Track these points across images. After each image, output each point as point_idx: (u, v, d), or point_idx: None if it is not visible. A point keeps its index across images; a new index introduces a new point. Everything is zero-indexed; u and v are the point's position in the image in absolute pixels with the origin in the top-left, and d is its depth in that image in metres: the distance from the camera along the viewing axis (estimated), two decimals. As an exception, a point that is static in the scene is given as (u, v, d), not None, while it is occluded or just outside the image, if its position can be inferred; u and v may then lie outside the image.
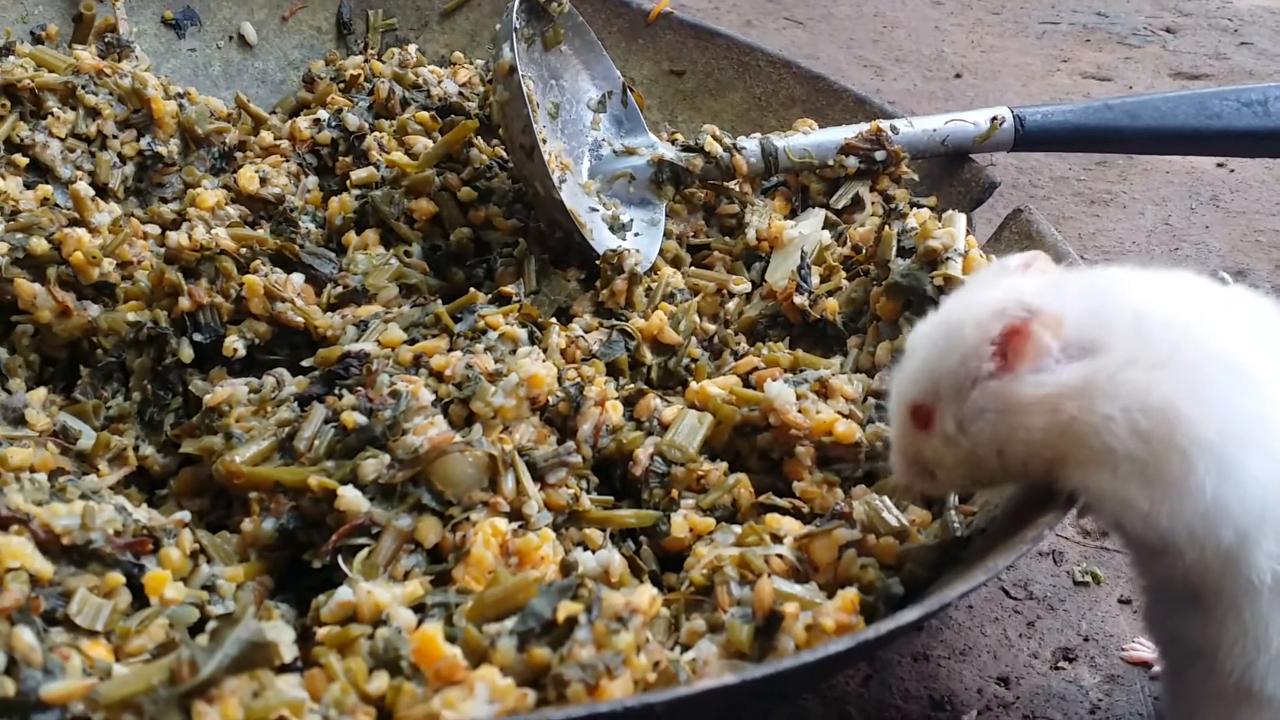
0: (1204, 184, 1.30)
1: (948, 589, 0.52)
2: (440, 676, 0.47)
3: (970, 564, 0.59)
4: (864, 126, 0.92)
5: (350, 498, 0.60)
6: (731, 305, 0.83)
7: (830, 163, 0.92)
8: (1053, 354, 0.54)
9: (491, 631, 0.50)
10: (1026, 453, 0.56)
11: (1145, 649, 0.74)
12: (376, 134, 0.92)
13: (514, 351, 0.71)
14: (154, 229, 0.84)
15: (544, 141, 0.85)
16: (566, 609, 0.50)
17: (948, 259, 0.75)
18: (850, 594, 0.56)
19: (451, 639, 0.50)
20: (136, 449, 0.73)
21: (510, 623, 0.50)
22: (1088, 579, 0.81)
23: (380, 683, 0.48)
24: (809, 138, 0.93)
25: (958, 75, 1.53)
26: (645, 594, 0.51)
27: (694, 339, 0.78)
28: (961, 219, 0.79)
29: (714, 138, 0.91)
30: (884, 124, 0.92)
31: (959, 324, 0.56)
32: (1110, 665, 0.75)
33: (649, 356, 0.77)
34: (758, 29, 1.64)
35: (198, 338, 0.76)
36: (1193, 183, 1.30)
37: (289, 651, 0.47)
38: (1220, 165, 1.33)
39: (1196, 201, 1.27)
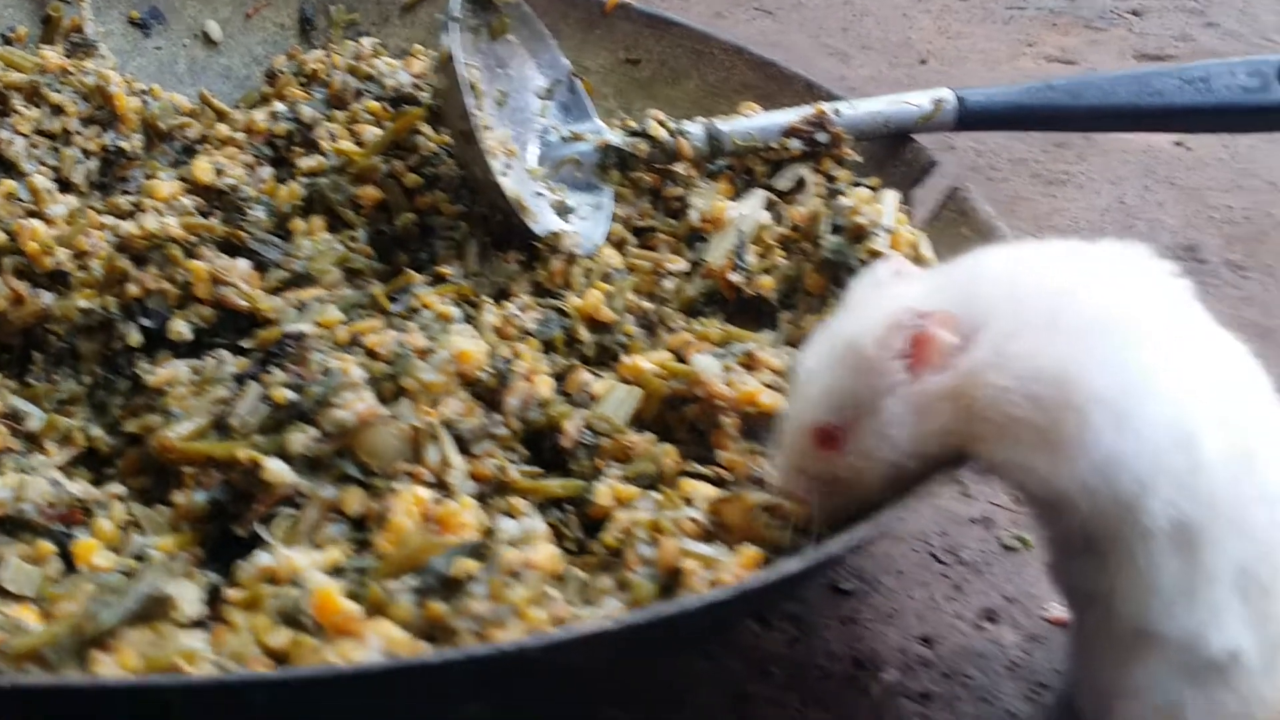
0: (1160, 163, 1.31)
1: (832, 543, 0.54)
2: (337, 629, 0.49)
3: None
4: (807, 109, 0.94)
5: (275, 469, 0.62)
6: (669, 284, 0.85)
7: (774, 145, 0.94)
8: (954, 349, 0.57)
9: (392, 588, 0.52)
10: (942, 444, 0.59)
11: (1065, 609, 0.76)
12: (329, 124, 0.94)
13: (447, 329, 0.73)
14: (111, 220, 0.87)
15: (489, 129, 0.87)
16: (465, 566, 0.52)
17: (874, 234, 0.77)
18: (750, 551, 0.58)
19: (357, 598, 0.52)
20: (85, 430, 0.76)
21: (411, 580, 0.52)
22: (1016, 544, 0.83)
23: (282, 637, 0.50)
24: (753, 121, 0.95)
25: (923, 61, 1.55)
26: (543, 551, 0.53)
27: (630, 317, 0.81)
28: (891, 196, 0.81)
29: (658, 122, 0.93)
30: (827, 106, 0.94)
31: (857, 344, 0.59)
32: (1032, 625, 0.77)
33: (585, 334, 0.79)
34: (728, 19, 1.65)
35: (145, 323, 0.78)
36: (1149, 162, 1.31)
37: (192, 608, 0.49)
38: (1178, 144, 1.34)
39: (1152, 180, 1.28)
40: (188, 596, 0.50)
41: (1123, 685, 0.62)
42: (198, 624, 0.52)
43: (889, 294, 0.61)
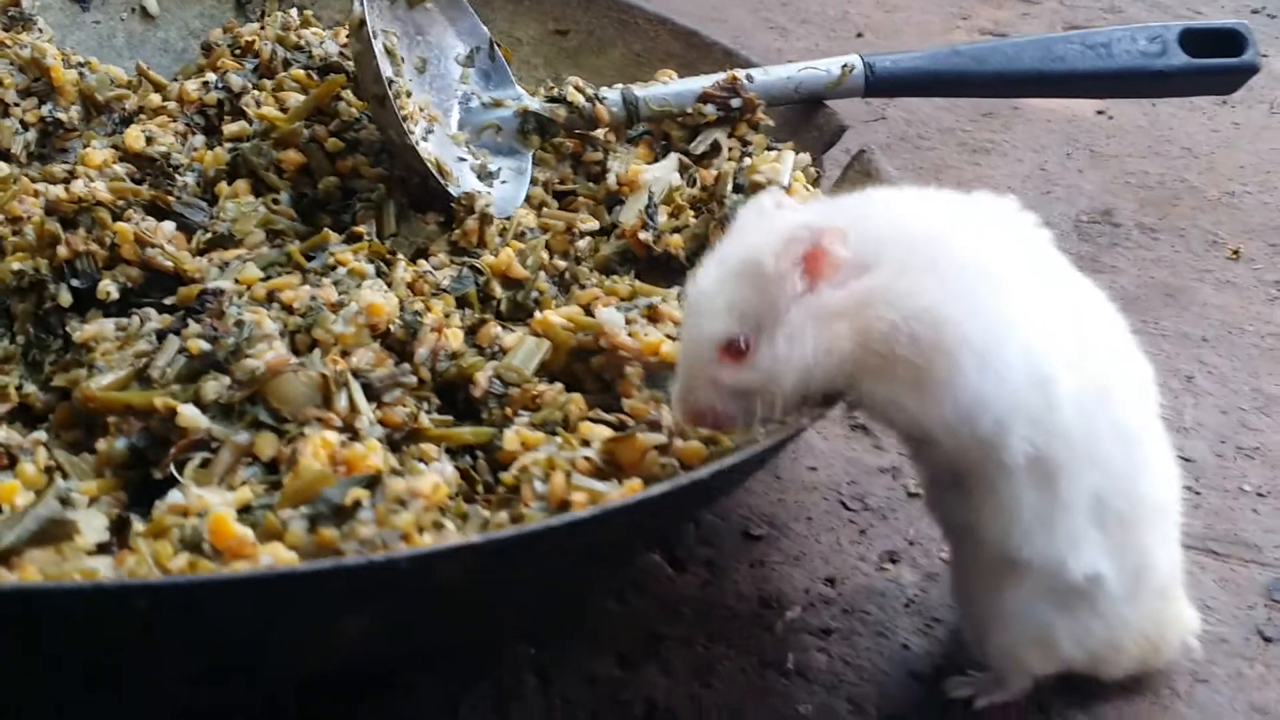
0: (1082, 130, 1.35)
1: (700, 470, 0.57)
2: (232, 552, 0.52)
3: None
4: (721, 76, 0.97)
5: (189, 415, 0.65)
6: (583, 244, 0.88)
7: (689, 110, 0.97)
8: (846, 264, 0.60)
9: (285, 516, 0.55)
10: (837, 365, 0.61)
11: None
12: (257, 92, 0.97)
13: (360, 285, 0.76)
14: (45, 187, 0.89)
15: (410, 94, 0.90)
16: (354, 494, 0.55)
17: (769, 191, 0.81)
18: (634, 484, 0.61)
19: (255, 527, 0.55)
20: (20, 388, 0.78)
21: (305, 509, 0.55)
22: (920, 491, 0.87)
23: (181, 561, 0.53)
24: (668, 87, 0.98)
25: (859, 35, 1.58)
26: (427, 480, 0.56)
27: (543, 274, 0.84)
28: (789, 156, 0.84)
29: (576, 88, 0.96)
30: (740, 73, 0.97)
31: (757, 258, 0.61)
32: (930, 565, 0.81)
33: (498, 291, 0.82)
34: (673, -4, 1.68)
35: (75, 283, 0.81)
36: (1072, 130, 1.35)
37: (95, 534, 0.52)
38: (1100, 113, 1.38)
39: (1073, 147, 1.32)
40: (92, 524, 0.53)
41: (996, 611, 0.66)
42: (105, 551, 0.54)
43: (780, 217, 0.64)
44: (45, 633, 0.45)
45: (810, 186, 0.83)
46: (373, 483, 0.57)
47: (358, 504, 0.55)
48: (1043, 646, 0.67)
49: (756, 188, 0.82)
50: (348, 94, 0.91)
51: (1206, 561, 0.80)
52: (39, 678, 0.49)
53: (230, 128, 0.92)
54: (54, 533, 0.50)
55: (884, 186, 0.86)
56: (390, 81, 0.86)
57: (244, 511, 0.60)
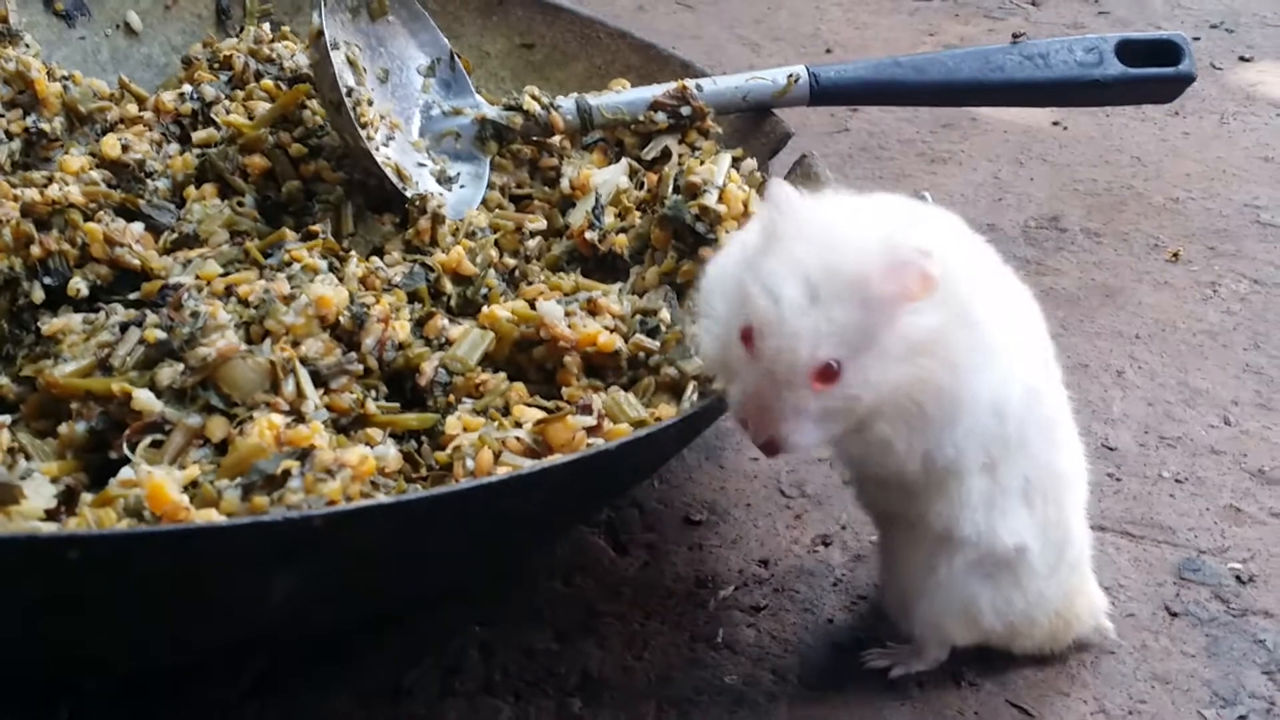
0: (1037, 141, 1.39)
1: (610, 443, 0.61)
2: (168, 517, 0.56)
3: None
4: (672, 85, 1.02)
5: (144, 398, 0.69)
6: (533, 243, 0.93)
7: (641, 118, 1.01)
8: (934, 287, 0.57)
9: (221, 485, 0.59)
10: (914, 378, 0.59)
11: None
12: (228, 102, 1.01)
13: (313, 280, 0.80)
14: (22, 191, 0.94)
15: (370, 102, 0.95)
16: (285, 464, 0.59)
17: (705, 191, 0.85)
18: (556, 458, 0.65)
19: (194, 498, 0.60)
20: (-8, 380, 0.82)
21: (240, 479, 0.59)
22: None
23: (121, 526, 0.57)
24: (621, 96, 1.02)
25: (828, 50, 1.63)
26: (355, 452, 0.60)
27: (493, 272, 0.88)
28: (725, 158, 0.88)
29: (533, 97, 1.00)
30: (690, 82, 1.02)
31: (860, 279, 0.56)
32: (859, 547, 0.85)
33: (449, 287, 0.86)
34: (649, 13, 1.74)
35: (48, 281, 0.85)
36: (1027, 140, 1.39)
37: (42, 501, 0.56)
38: (1055, 124, 1.42)
39: (1026, 156, 1.36)
40: (40, 492, 0.57)
41: (927, 586, 0.70)
42: (53, 518, 0.58)
43: (859, 225, 0.59)
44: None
45: (746, 187, 0.87)
46: (304, 455, 0.61)
47: (288, 473, 0.59)
48: (967, 618, 0.71)
49: (693, 188, 0.86)
50: (313, 103, 0.96)
51: (1122, 543, 0.84)
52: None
53: (199, 134, 0.96)
54: (1, 496, 0.54)
55: (822, 189, 0.90)
56: (350, 90, 0.90)
57: (192, 486, 0.64)
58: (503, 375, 0.79)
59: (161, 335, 0.73)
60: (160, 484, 0.57)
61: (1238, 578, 0.81)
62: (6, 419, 0.74)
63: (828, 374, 0.57)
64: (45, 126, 1.04)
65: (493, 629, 0.77)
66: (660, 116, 1.01)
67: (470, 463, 0.68)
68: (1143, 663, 0.75)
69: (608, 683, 0.74)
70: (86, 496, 0.61)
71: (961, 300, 0.59)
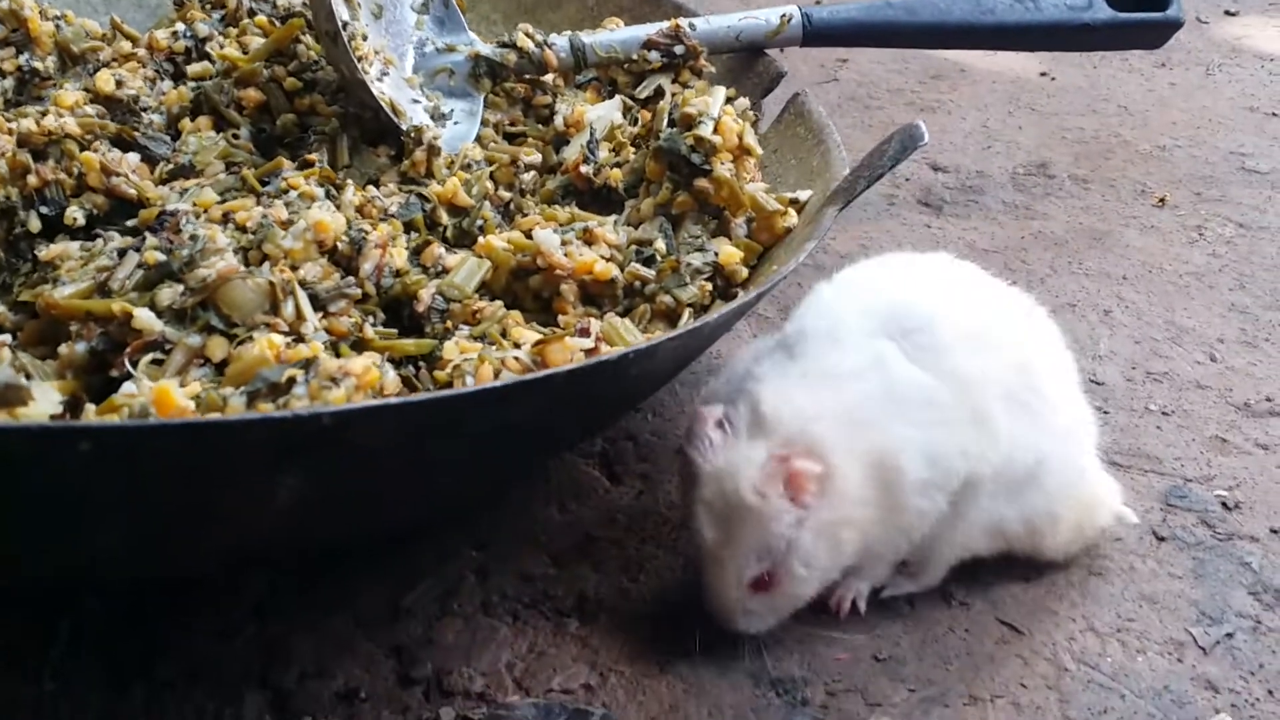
0: (1025, 91, 1.40)
1: (613, 351, 0.62)
2: (175, 421, 0.57)
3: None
4: (665, 24, 1.02)
5: (144, 318, 0.70)
6: (528, 177, 0.93)
7: (634, 57, 1.01)
8: (823, 477, 0.64)
9: (226, 392, 0.60)
10: (850, 547, 0.67)
11: None
12: (221, 38, 1.01)
13: (310, 207, 0.80)
14: (17, 122, 0.94)
15: (364, 37, 0.95)
16: (290, 373, 0.60)
17: (701, 123, 0.85)
18: (560, 367, 0.66)
19: (199, 405, 0.60)
20: (-11, 307, 0.83)
21: (244, 387, 0.60)
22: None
23: (130, 428, 0.57)
24: (614, 34, 1.03)
25: (818, 1, 1.63)
26: (359, 362, 0.61)
27: (488, 204, 0.88)
28: (720, 91, 0.89)
29: (526, 34, 1.01)
30: (683, 21, 1.02)
31: (740, 502, 0.64)
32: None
33: (445, 218, 0.86)
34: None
35: (44, 210, 0.85)
36: (1015, 90, 1.40)
37: (49, 405, 0.57)
38: (1044, 74, 1.43)
39: (1015, 106, 1.37)
40: (47, 396, 0.57)
41: (948, 529, 0.71)
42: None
43: (739, 449, 0.65)
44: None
45: (740, 120, 0.88)
46: (308, 363, 0.61)
47: (292, 381, 0.59)
48: (992, 535, 0.73)
49: (688, 120, 0.86)
50: (307, 38, 0.96)
51: (1110, 472, 0.85)
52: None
53: (194, 68, 0.96)
54: (8, 397, 0.54)
55: (814, 126, 0.91)
56: (344, 24, 0.90)
57: (194, 399, 0.64)
58: (499, 303, 0.80)
59: (161, 257, 0.73)
60: (166, 389, 0.58)
61: (1224, 504, 0.82)
62: (6, 338, 0.74)
63: (761, 584, 0.66)
64: (38, 65, 1.04)
65: (489, 554, 0.78)
66: (654, 55, 1.01)
67: (470, 380, 0.68)
68: (1130, 584, 0.76)
69: (604, 604, 0.75)
70: (90, 407, 0.62)
71: (871, 466, 0.66)
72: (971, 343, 0.68)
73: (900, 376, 0.67)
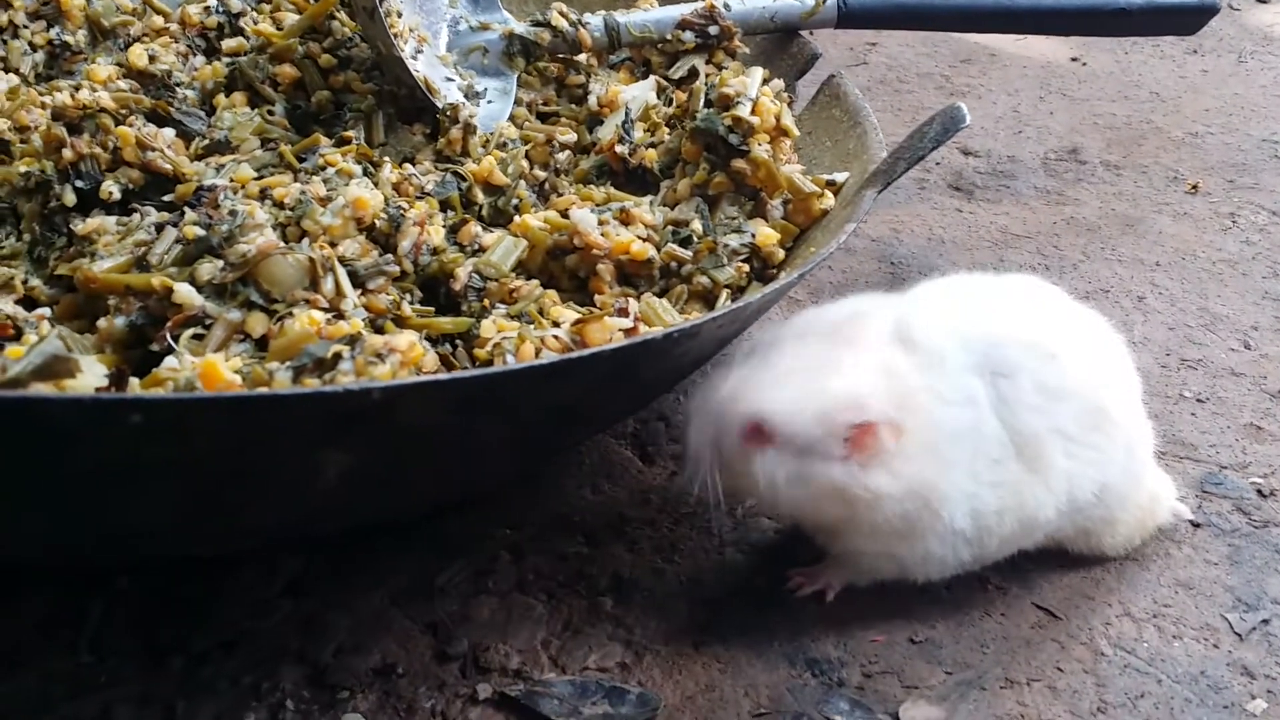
0: (1056, 76, 1.39)
1: (658, 330, 0.61)
2: (222, 395, 0.57)
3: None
4: (699, 4, 1.02)
5: (185, 292, 0.70)
6: (562, 156, 0.93)
7: (669, 37, 1.01)
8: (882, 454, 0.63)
9: (272, 367, 0.60)
10: (814, 518, 0.69)
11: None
12: (254, 14, 1.01)
13: (348, 184, 0.80)
14: (52, 96, 0.94)
15: (399, 14, 0.95)
16: (336, 348, 0.60)
17: (738, 103, 0.85)
18: (606, 345, 0.66)
19: (244, 379, 0.60)
20: (25, 282, 0.83)
21: (289, 362, 0.60)
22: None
23: (179, 402, 0.57)
24: (649, 14, 1.02)
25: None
26: (404, 338, 0.61)
27: (523, 182, 0.88)
28: (758, 71, 0.88)
29: (560, 13, 1.00)
30: (718, 1, 1.02)
31: (831, 400, 0.63)
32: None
33: (480, 196, 0.86)
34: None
35: (79, 184, 0.85)
36: (1046, 75, 1.39)
37: (94, 379, 0.57)
38: (1074, 60, 1.42)
39: (1046, 91, 1.36)
40: (93, 369, 0.57)
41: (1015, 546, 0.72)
42: (104, 398, 0.59)
43: (865, 363, 0.65)
44: (42, 448, 0.49)
45: (777, 101, 0.88)
46: (354, 339, 0.61)
47: (338, 357, 0.59)
48: (1047, 539, 0.73)
49: (726, 100, 0.86)
50: (341, 14, 0.96)
51: (1145, 459, 0.85)
52: (33, 500, 0.53)
53: (229, 43, 0.96)
54: (56, 369, 0.54)
55: (850, 109, 0.91)
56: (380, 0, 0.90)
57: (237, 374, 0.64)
58: (536, 282, 0.80)
59: (200, 232, 0.73)
60: (213, 363, 0.58)
61: (1259, 491, 0.82)
62: (46, 311, 0.74)
63: (757, 433, 0.64)
64: (69, 39, 1.04)
65: (522, 533, 0.78)
66: (688, 35, 1.01)
67: (511, 358, 0.68)
68: (1166, 570, 0.76)
69: (639, 584, 0.75)
70: (134, 381, 0.62)
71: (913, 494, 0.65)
72: (1048, 398, 0.67)
73: (985, 428, 0.66)
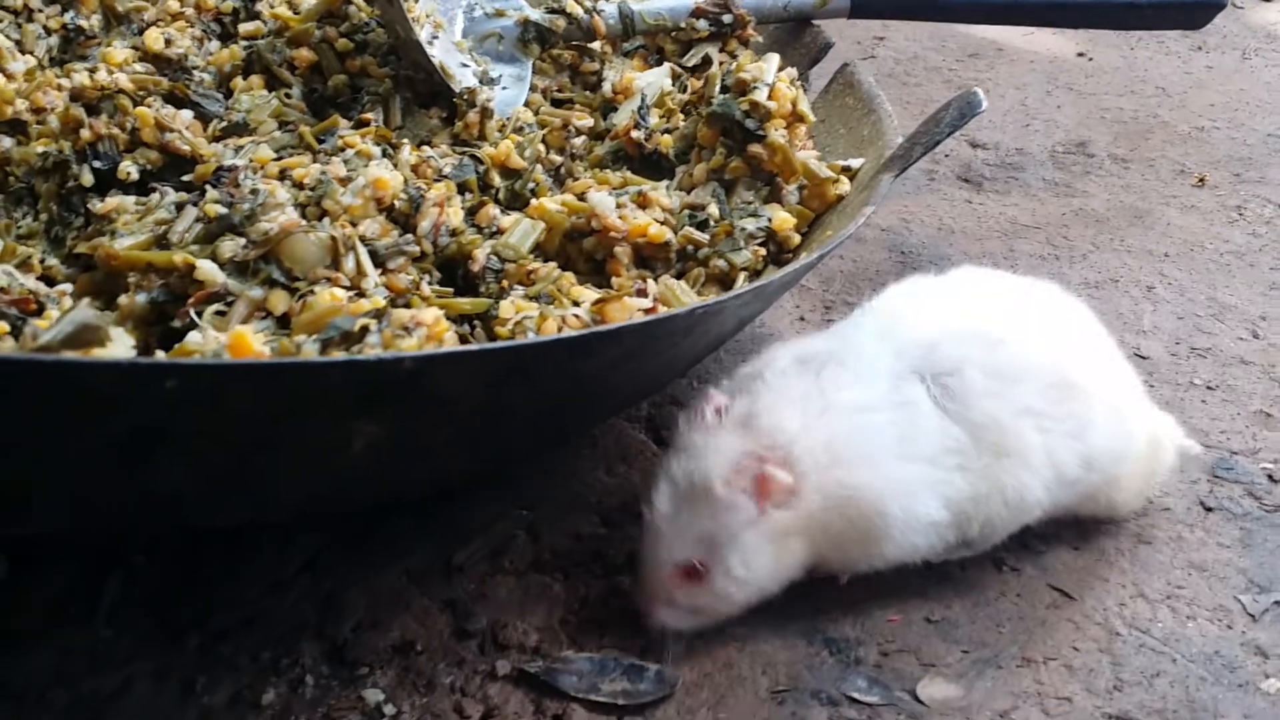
0: (1063, 71, 1.40)
1: (684, 307, 0.62)
2: (249, 366, 0.57)
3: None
4: (713, -7, 1.02)
5: (207, 269, 0.70)
6: (579, 141, 0.93)
7: (683, 25, 1.02)
8: (791, 488, 0.64)
9: (299, 340, 0.60)
10: (800, 565, 0.68)
11: None
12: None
13: (367, 165, 0.81)
14: (67, 82, 0.94)
15: (416, 1, 0.95)
16: (363, 321, 0.60)
17: (755, 88, 0.86)
18: (633, 319, 0.66)
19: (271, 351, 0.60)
20: (43, 261, 0.83)
21: (316, 335, 0.60)
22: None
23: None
24: (663, 2, 1.03)
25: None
26: (430, 313, 0.61)
27: (539, 167, 0.89)
28: (774, 58, 0.89)
29: (575, 1, 1.01)
30: (731, -10, 1.02)
31: (705, 485, 0.64)
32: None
33: (497, 180, 0.87)
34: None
35: (97, 165, 0.85)
36: (1053, 70, 1.40)
37: (123, 349, 0.57)
38: (1081, 55, 1.43)
39: (1053, 85, 1.37)
40: (122, 339, 0.57)
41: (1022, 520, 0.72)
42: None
43: (724, 437, 0.66)
44: (78, 412, 0.50)
45: (794, 86, 0.88)
46: (380, 314, 0.61)
47: (365, 330, 0.60)
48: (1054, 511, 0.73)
49: (742, 85, 0.86)
50: (359, 1, 0.96)
51: (1156, 444, 0.85)
52: (66, 467, 0.54)
53: (245, 26, 0.97)
54: (87, 337, 0.54)
55: (863, 96, 0.91)
56: (394, -23, 0.91)
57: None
58: (553, 264, 0.80)
59: (222, 210, 0.73)
60: (243, 334, 0.58)
61: (1270, 476, 0.82)
62: (67, 287, 0.75)
63: (689, 573, 0.65)
64: (83, 23, 1.04)
65: (538, 514, 0.79)
66: (701, 24, 1.01)
67: (533, 335, 0.69)
68: (1179, 552, 0.76)
69: (656, 562, 0.75)
70: (160, 354, 0.62)
71: (846, 485, 0.65)
72: (1004, 382, 0.68)
73: (924, 423, 0.67)
